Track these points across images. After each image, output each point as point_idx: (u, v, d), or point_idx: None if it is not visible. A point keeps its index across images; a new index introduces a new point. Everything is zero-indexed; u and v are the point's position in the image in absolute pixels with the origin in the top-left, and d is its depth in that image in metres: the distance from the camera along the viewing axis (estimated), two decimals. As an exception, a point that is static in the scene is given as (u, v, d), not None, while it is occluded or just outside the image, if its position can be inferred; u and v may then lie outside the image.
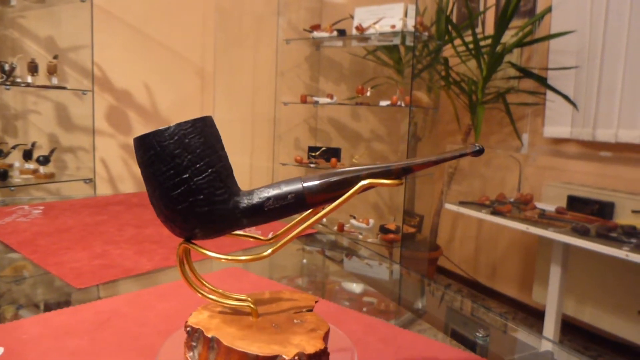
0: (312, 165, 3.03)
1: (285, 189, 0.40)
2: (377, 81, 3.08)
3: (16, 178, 2.31)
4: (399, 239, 2.82)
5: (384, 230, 2.92)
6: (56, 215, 1.19)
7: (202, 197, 0.41)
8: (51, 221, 1.13)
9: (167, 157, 0.42)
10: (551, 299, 2.29)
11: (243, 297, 0.47)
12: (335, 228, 3.01)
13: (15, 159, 2.41)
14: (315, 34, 2.96)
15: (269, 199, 0.41)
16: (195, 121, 0.42)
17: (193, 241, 0.47)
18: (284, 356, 0.37)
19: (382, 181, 0.37)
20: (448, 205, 2.66)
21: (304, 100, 3.03)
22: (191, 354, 0.44)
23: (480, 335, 0.65)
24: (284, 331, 0.40)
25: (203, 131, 0.42)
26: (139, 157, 0.44)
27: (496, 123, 3.07)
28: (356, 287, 0.98)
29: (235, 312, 0.47)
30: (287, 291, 0.50)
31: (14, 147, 2.40)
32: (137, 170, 2.83)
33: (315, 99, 3.03)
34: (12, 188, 2.25)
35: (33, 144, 2.43)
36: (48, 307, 0.74)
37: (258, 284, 0.83)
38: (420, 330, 0.78)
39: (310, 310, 0.44)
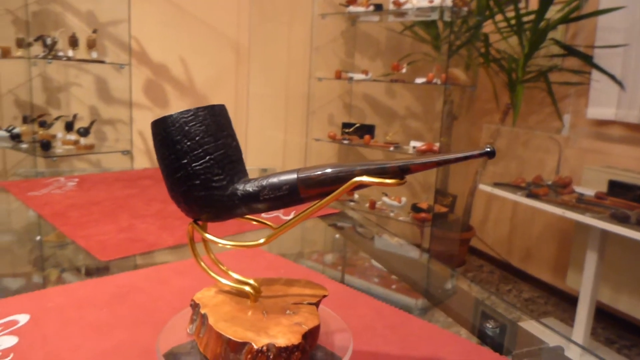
0: (345, 142, 3.02)
1: (281, 179, 0.40)
2: (414, 57, 3.01)
3: (58, 149, 2.41)
4: (430, 219, 2.80)
5: (415, 209, 2.90)
6: (89, 187, 1.24)
7: (198, 182, 0.43)
8: (84, 194, 1.18)
9: (170, 142, 0.44)
10: (586, 285, 2.24)
11: (250, 280, 0.48)
12: (367, 205, 3.01)
13: (58, 130, 2.50)
14: (352, 8, 2.91)
15: (264, 188, 0.41)
16: (197, 109, 0.43)
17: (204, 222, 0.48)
18: (252, 344, 0.37)
19: (376, 180, 0.36)
20: (482, 186, 2.60)
21: (338, 76, 3.01)
22: (191, 326, 0.46)
23: (490, 326, 0.65)
24: (270, 320, 0.41)
25: (205, 119, 0.43)
26: (153, 140, 0.46)
27: (537, 103, 2.97)
28: (375, 271, 0.98)
29: (240, 294, 0.48)
30: (303, 280, 0.50)
31: (56, 119, 2.50)
32: (173, 143, 2.89)
33: (350, 74, 3.00)
34: (54, 158, 2.35)
35: (74, 116, 2.52)
36: (74, 278, 0.78)
37: (274, 265, 0.85)
38: (434, 318, 0.78)
39: (312, 303, 0.44)
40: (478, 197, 3.31)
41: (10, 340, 0.57)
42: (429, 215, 2.80)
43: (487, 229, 3.43)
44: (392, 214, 2.97)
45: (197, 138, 0.43)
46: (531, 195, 2.36)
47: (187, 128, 0.43)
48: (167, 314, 0.64)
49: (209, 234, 0.47)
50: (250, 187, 0.42)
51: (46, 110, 2.55)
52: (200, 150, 0.43)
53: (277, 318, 0.41)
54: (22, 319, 0.62)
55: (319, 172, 0.38)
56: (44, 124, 2.44)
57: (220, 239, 0.47)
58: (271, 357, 0.36)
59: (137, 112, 2.74)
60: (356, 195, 3.15)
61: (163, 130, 0.44)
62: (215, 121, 0.44)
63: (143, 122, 2.78)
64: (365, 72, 2.94)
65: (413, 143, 2.83)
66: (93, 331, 0.60)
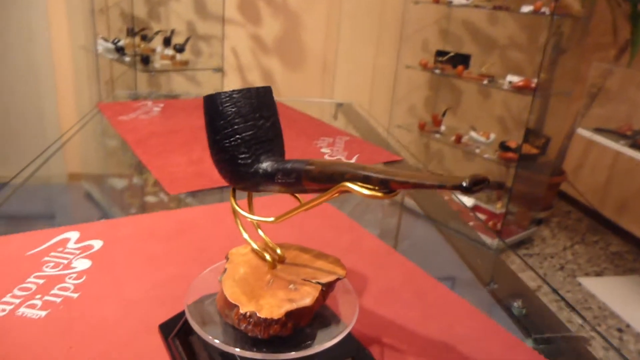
0: (436, 71, 2.89)
1: (293, 166, 0.43)
2: (523, -19, 2.72)
3: (156, 63, 2.55)
4: (516, 159, 2.67)
5: (504, 147, 2.77)
6: (171, 115, 1.33)
7: (227, 157, 0.48)
8: (166, 120, 1.27)
9: (209, 118, 0.48)
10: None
11: (277, 249, 0.51)
12: (453, 139, 2.93)
13: (157, 44, 2.63)
14: None
15: (279, 171, 0.44)
16: (233, 92, 0.47)
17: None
18: (240, 308, 0.42)
19: (359, 189, 0.36)
20: (580, 131, 2.42)
21: (436, 0, 2.82)
22: (220, 277, 0.52)
23: (517, 306, 0.65)
24: (269, 290, 0.44)
25: (238, 102, 0.47)
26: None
27: (663, 40, 2.60)
28: (428, 230, 0.99)
29: (264, 258, 0.52)
30: (332, 257, 0.51)
31: (156, 33, 2.62)
32: (265, 62, 2.94)
33: (449, -2, 2.80)
34: (153, 73, 2.50)
35: (172, 31, 2.62)
36: (143, 209, 0.88)
37: (334, 225, 0.88)
38: (471, 290, 0.79)
39: (321, 283, 0.46)
40: (576, 140, 3.08)
41: (85, 263, 0.68)
42: (516, 155, 2.67)
43: (581, 175, 3.21)
44: (477, 151, 2.87)
45: (228, 118, 0.47)
46: (636, 145, 2.17)
47: (221, 108, 0.47)
48: (215, 254, 0.71)
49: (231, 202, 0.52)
50: (269, 168, 0.45)
51: (147, 24, 2.67)
52: (230, 130, 0.47)
53: (277, 290, 0.44)
54: (97, 244, 0.73)
55: (316, 168, 0.40)
56: (145, 38, 2.58)
57: (248, 210, 0.51)
58: (252, 322, 0.41)
59: (230, 29, 2.79)
60: (443, 127, 3.06)
61: (206, 106, 0.49)
62: (248, 103, 0.47)
63: (236, 39, 2.83)
64: (467, -4, 2.73)
65: (510, 77, 2.64)
66: (151, 263, 0.69)
